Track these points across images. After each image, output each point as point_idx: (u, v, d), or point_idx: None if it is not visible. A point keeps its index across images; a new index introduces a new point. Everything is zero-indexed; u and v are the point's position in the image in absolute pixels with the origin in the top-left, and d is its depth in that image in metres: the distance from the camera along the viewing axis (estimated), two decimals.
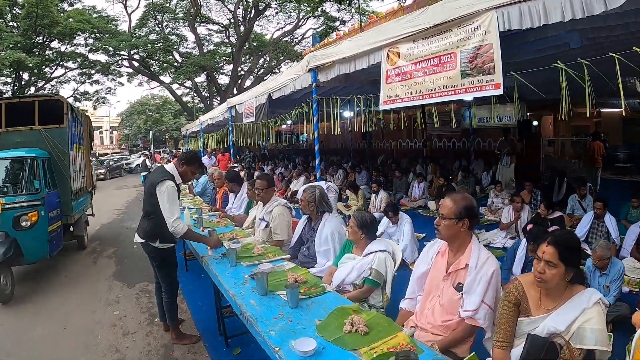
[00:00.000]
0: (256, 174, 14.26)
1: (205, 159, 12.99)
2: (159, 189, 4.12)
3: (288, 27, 35.08)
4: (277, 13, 34.73)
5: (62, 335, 5.20)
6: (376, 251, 3.62)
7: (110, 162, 32.92)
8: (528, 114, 14.23)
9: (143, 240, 4.41)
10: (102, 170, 29.03)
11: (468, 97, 4.81)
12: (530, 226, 5.67)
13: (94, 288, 6.85)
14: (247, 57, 35.64)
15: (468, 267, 2.73)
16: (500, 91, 4.19)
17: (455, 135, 16.87)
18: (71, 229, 8.58)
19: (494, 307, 2.66)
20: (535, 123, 15.22)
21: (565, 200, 8.87)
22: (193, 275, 6.83)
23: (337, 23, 30.24)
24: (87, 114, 12.64)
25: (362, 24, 20.62)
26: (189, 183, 11.76)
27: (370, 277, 3.55)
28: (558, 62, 4.52)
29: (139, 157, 37.31)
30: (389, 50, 5.48)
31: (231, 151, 14.13)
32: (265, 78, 33.21)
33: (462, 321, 2.70)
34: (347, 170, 14.73)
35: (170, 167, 4.42)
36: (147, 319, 5.48)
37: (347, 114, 16.98)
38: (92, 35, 28.70)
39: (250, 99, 10.88)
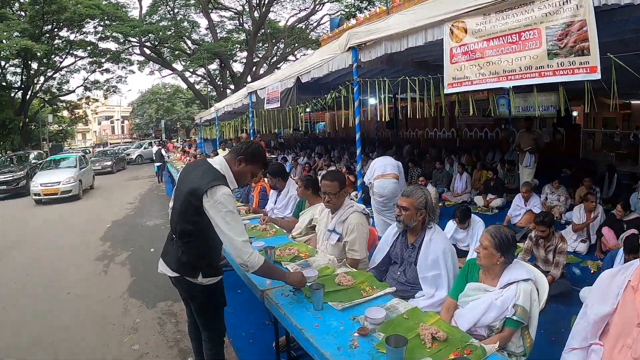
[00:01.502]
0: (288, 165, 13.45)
1: None
2: (210, 199, 2.64)
3: (303, 14, 34.18)
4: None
5: None
6: (518, 281, 2.66)
7: (116, 152, 30.39)
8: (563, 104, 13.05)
9: (176, 275, 2.93)
10: (109, 163, 26.40)
11: (556, 80, 4.07)
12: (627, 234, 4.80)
13: (106, 310, 5.43)
14: (261, 44, 34.75)
15: None
16: (597, 75, 3.72)
17: (488, 124, 15.83)
18: None
19: None
20: (575, 114, 14.30)
21: (616, 197, 8.22)
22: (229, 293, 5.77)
23: (365, 3, 29.13)
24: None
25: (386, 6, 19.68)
26: None
27: (514, 317, 2.59)
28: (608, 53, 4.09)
29: (144, 146, 36.33)
30: (452, 25, 4.81)
31: (252, 139, 13.11)
32: (279, 66, 33.00)
33: None
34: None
35: (219, 162, 2.90)
36: (177, 357, 4.20)
37: (373, 100, 16.17)
38: (102, 22, 27.86)
39: (273, 83, 10.01)
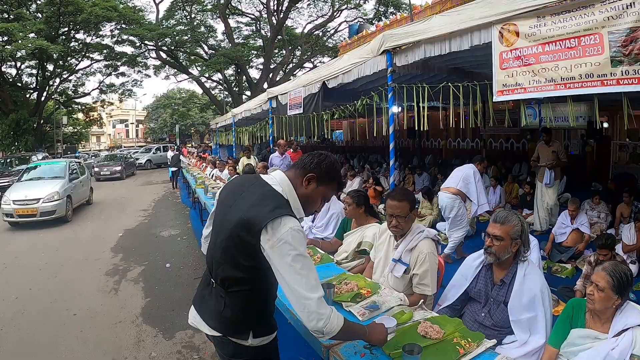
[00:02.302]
0: None
1: (275, 158, 10.37)
2: (272, 236, 1.88)
3: (320, 20, 33.88)
4: (308, 5, 33.85)
5: None
6: (634, 326, 2.22)
7: (125, 157, 28.02)
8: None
9: (217, 334, 2.14)
10: (118, 168, 24.31)
11: (620, 90, 3.77)
12: None
13: (116, 339, 4.70)
14: (277, 50, 34.47)
15: None
16: None
17: (514, 135, 15.31)
18: None
19: None
20: (605, 125, 13.76)
21: None
22: None
23: (391, 9, 29.07)
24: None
25: (405, 14, 19.33)
26: (216, 178, 10.46)
27: None
28: None
29: (153, 151, 34.87)
30: (502, 28, 4.51)
31: (271, 146, 12.73)
32: (295, 73, 33.02)
33: None
34: (403, 172, 13.17)
35: (279, 181, 2.13)
36: None
37: (396, 109, 15.71)
38: (118, 25, 27.74)
39: (296, 88, 9.66)
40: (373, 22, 25.80)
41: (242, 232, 1.94)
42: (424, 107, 6.67)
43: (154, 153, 34.23)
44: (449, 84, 6.19)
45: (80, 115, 37.74)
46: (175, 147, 26.05)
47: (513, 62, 4.47)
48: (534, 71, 4.28)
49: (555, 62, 4.08)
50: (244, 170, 8.00)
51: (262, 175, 2.21)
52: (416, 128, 6.73)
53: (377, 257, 3.42)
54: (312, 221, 5.04)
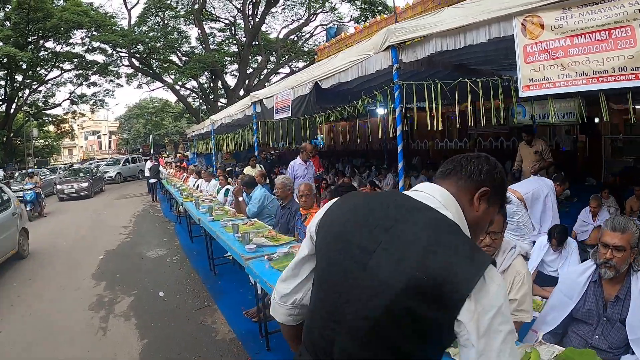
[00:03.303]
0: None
1: (298, 166, 8.72)
2: (479, 304, 1.15)
3: (295, 25, 33.74)
4: (283, 10, 33.49)
5: None
6: None
7: (92, 171, 24.09)
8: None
9: None
10: (85, 185, 21.06)
11: None
12: None
13: None
14: (251, 57, 33.87)
15: None
16: None
17: (503, 133, 15.10)
18: None
19: None
20: (596, 120, 13.65)
21: None
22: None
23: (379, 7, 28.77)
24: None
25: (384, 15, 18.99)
26: (223, 192, 9.35)
27: None
28: None
29: (123, 163, 31.76)
30: (524, 20, 4.27)
31: (256, 153, 12.17)
32: (270, 79, 32.60)
33: None
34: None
35: (444, 200, 1.37)
36: None
37: (381, 111, 15.38)
38: (89, 33, 26.89)
39: (283, 90, 9.16)
40: (360, 21, 25.51)
41: (416, 302, 1.17)
42: (423, 107, 6.26)
43: (123, 165, 31.61)
44: (466, 79, 5.74)
45: (51, 128, 36.70)
46: (153, 157, 25.12)
47: (539, 56, 4.24)
48: (563, 65, 4.05)
49: (586, 55, 3.89)
50: (244, 181, 7.30)
51: (408, 193, 1.43)
52: (436, 129, 6.16)
53: None
54: None
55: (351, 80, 6.84)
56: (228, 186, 9.37)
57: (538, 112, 12.96)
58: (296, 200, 5.93)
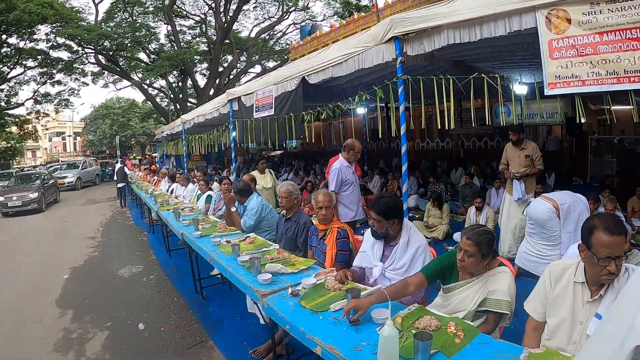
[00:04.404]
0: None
1: (345, 169, 6.17)
2: None
3: (267, 23, 33.15)
4: (255, 8, 32.87)
5: None
6: None
7: (43, 177, 19.92)
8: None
9: None
10: (34, 196, 17.06)
11: None
12: None
13: None
14: (222, 55, 33.07)
15: None
16: None
17: (487, 133, 14.87)
18: None
19: None
20: (582, 120, 13.50)
21: None
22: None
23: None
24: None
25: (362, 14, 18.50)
26: (204, 199, 8.19)
27: None
28: None
29: (82, 166, 28.28)
30: (549, 13, 4.14)
31: (233, 154, 11.54)
32: (240, 78, 32.25)
33: None
34: (387, 176, 12.06)
35: None
36: None
37: (361, 110, 14.88)
38: (55, 28, 25.60)
39: (265, 87, 8.55)
40: (344, 16, 25.00)
41: None
42: (383, 108, 5.81)
43: (83, 168, 28.13)
44: (483, 75, 5.20)
45: (14, 129, 35.05)
46: (119, 159, 23.89)
47: (567, 52, 4.10)
48: (592, 62, 3.93)
49: (617, 54, 3.78)
50: (238, 188, 5.88)
51: None
52: (447, 128, 5.59)
53: (553, 313, 2.45)
54: (383, 259, 3.48)
55: (344, 75, 6.33)
56: (210, 192, 8.15)
57: (524, 112, 12.79)
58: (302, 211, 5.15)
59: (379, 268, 3.37)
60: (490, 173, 12.04)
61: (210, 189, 8.44)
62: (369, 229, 3.46)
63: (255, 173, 8.37)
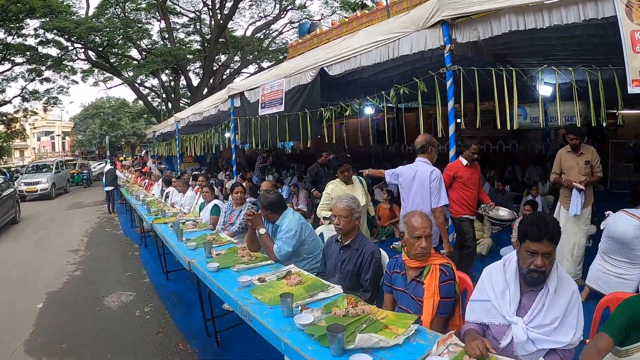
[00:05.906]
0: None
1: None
2: None
3: (262, 22, 32.62)
4: (250, 6, 32.35)
5: None
6: None
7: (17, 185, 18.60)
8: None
9: None
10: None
11: None
12: None
13: None
14: (217, 55, 32.45)
15: None
16: None
17: (502, 136, 14.31)
18: None
19: None
20: (604, 124, 12.90)
21: None
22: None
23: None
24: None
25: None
26: (209, 210, 6.90)
27: None
28: None
29: (55, 169, 23.46)
30: (629, 1, 3.59)
31: (234, 155, 10.65)
32: (234, 78, 31.35)
33: None
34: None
35: None
36: None
37: (369, 110, 14.10)
38: (44, 21, 24.78)
39: (274, 80, 7.63)
40: (353, 7, 24.39)
41: None
42: (392, 108, 5.25)
43: (57, 172, 23.54)
44: (569, 68, 4.47)
45: (1, 128, 34.34)
46: (109, 160, 22.59)
47: None
48: None
49: None
50: (269, 201, 4.38)
51: None
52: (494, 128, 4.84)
53: None
54: (518, 311, 2.48)
55: (371, 65, 5.44)
56: (216, 201, 6.81)
57: (535, 115, 12.17)
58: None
59: (521, 326, 2.36)
60: (510, 178, 11.53)
61: (216, 197, 7.13)
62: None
63: (336, 183, 5.56)
